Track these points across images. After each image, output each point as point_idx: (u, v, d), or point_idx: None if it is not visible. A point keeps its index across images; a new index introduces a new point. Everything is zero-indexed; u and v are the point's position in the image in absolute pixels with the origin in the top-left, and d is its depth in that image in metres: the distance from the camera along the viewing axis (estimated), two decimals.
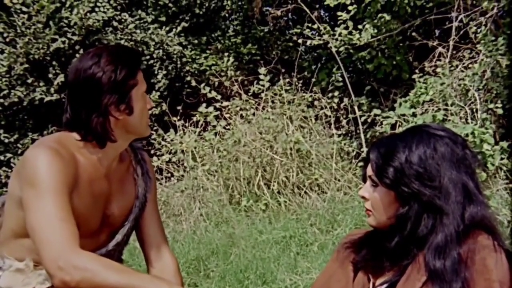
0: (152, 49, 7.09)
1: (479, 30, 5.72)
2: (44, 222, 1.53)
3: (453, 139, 1.54)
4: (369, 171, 1.61)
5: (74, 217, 1.62)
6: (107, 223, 1.80)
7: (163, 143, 6.44)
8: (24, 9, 6.47)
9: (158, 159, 6.30)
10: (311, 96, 6.46)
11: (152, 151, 6.47)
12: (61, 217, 1.55)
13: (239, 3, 7.84)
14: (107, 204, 1.78)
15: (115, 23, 6.91)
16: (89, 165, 1.69)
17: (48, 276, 1.61)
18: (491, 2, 5.44)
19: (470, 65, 5.83)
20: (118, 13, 6.97)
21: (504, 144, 5.17)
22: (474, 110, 5.57)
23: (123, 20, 7.01)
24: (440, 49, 6.10)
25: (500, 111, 5.49)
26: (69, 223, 1.56)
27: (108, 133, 1.68)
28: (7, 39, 6.57)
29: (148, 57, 7.08)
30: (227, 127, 6.32)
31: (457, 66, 5.87)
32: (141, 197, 1.86)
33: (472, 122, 5.43)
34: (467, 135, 5.00)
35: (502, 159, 5.08)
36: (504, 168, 5.07)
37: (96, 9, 6.72)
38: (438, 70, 5.89)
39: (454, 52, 6.03)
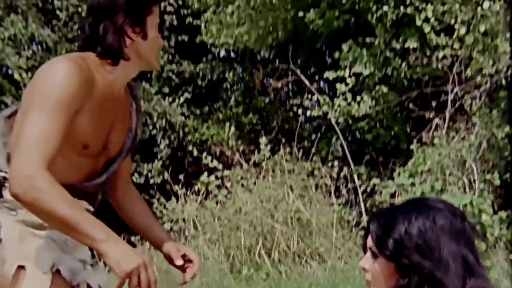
0: (155, 119, 7.25)
1: (474, 103, 5.87)
2: (30, 131, 1.55)
3: (452, 211, 1.55)
4: (369, 242, 1.61)
5: (83, 134, 1.68)
6: (107, 149, 1.82)
7: (164, 211, 6.46)
8: None
9: None
10: (311, 165, 6.54)
11: None
12: (49, 132, 1.56)
13: (241, 75, 8.07)
14: (111, 129, 1.81)
15: None
16: (103, 85, 1.74)
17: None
18: (484, 77, 5.58)
19: (466, 136, 5.93)
20: None
21: (503, 214, 5.20)
22: (472, 180, 5.64)
23: None
24: (436, 120, 6.22)
25: (497, 182, 5.56)
26: (53, 141, 1.56)
27: (122, 49, 1.75)
28: None
29: (151, 127, 7.22)
30: (228, 196, 6.36)
31: (453, 137, 5.97)
32: (133, 130, 1.91)
33: (470, 192, 5.50)
34: (465, 205, 5.06)
35: (501, 229, 5.10)
36: (504, 239, 5.08)
37: None
38: (436, 141, 5.95)
39: (451, 123, 6.14)
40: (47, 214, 1.53)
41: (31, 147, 1.53)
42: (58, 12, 6.88)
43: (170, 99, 7.50)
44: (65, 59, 1.67)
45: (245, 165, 6.59)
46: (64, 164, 1.65)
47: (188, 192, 6.49)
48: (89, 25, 1.75)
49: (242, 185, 6.39)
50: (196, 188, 6.50)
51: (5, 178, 1.67)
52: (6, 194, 1.66)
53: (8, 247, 1.65)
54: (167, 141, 7.33)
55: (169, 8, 7.43)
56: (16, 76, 6.58)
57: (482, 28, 5.59)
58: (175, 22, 7.58)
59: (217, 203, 6.30)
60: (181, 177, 6.60)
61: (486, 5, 5.55)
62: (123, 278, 1.52)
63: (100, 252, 1.53)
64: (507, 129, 5.52)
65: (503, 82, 5.62)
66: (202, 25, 7.57)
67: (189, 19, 7.68)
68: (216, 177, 6.47)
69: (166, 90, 7.62)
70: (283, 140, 7.30)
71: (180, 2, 7.60)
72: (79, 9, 6.86)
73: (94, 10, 1.75)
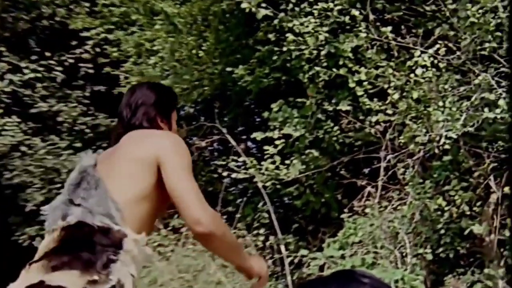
0: (63, 176, 6.83)
1: (407, 172, 5.81)
2: (192, 186, 2.03)
3: (375, 286, 1.37)
4: None
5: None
6: None
7: None
8: None
9: None
10: (235, 232, 6.35)
11: None
12: (197, 187, 2.09)
13: None
14: None
15: (23, 148, 6.69)
16: None
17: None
18: (417, 145, 5.51)
19: (399, 207, 5.88)
20: (28, 137, 6.81)
21: None
22: (404, 254, 5.57)
23: (32, 145, 6.80)
24: (369, 188, 6.17)
25: (429, 257, 5.51)
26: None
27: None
28: None
29: (59, 185, 6.74)
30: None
31: (386, 207, 5.91)
32: None
33: (402, 267, 5.41)
34: (397, 281, 4.99)
35: None
36: None
37: (4, 132, 6.52)
38: (367, 210, 5.90)
39: (383, 192, 6.10)
40: (228, 243, 2.09)
41: (201, 197, 2.04)
42: None
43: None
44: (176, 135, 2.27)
45: (162, 231, 6.41)
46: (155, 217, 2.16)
47: None
48: (126, 115, 2.27)
49: (159, 252, 6.18)
50: None
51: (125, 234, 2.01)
52: (126, 245, 1.96)
53: None
54: None
55: (85, 56, 7.29)
56: None
57: (415, 95, 5.57)
58: (91, 71, 7.42)
59: None
60: None
61: (419, 71, 5.53)
62: (266, 277, 2.25)
63: (249, 266, 2.18)
64: (439, 201, 5.47)
65: (436, 151, 5.55)
66: (122, 76, 7.43)
67: (107, 68, 7.56)
68: None
69: (78, 144, 7.27)
70: None
71: (98, 50, 7.45)
72: None
73: (132, 105, 2.28)
